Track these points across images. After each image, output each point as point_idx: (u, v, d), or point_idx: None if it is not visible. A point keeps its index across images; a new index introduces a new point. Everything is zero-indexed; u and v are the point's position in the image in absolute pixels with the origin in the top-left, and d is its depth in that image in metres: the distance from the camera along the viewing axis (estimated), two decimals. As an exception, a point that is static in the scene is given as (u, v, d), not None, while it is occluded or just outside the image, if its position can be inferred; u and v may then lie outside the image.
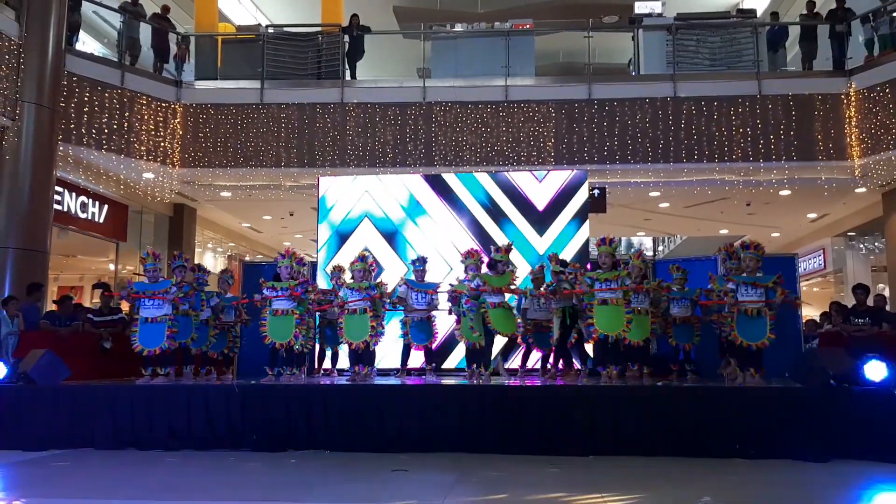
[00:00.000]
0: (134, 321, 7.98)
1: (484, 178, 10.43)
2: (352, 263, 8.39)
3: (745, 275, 7.22)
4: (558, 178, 10.36)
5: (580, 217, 10.13)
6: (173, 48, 13.71)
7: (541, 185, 10.26)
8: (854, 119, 12.39)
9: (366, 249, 9.60)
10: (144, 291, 7.90)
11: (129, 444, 6.77)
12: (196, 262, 9.63)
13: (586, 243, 10.11)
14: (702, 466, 5.87)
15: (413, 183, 10.50)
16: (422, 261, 8.71)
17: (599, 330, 7.42)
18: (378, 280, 8.51)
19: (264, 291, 8.04)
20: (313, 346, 8.89)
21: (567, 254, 9.94)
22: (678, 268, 8.69)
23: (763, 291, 7.08)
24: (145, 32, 13.51)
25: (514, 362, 9.23)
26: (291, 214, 16.16)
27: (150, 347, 7.76)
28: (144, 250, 8.45)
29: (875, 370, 6.29)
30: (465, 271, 8.19)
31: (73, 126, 11.56)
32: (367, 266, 8.27)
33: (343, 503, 4.83)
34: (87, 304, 14.38)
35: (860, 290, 9.91)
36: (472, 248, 8.63)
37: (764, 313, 7.01)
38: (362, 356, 8.07)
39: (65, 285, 15.62)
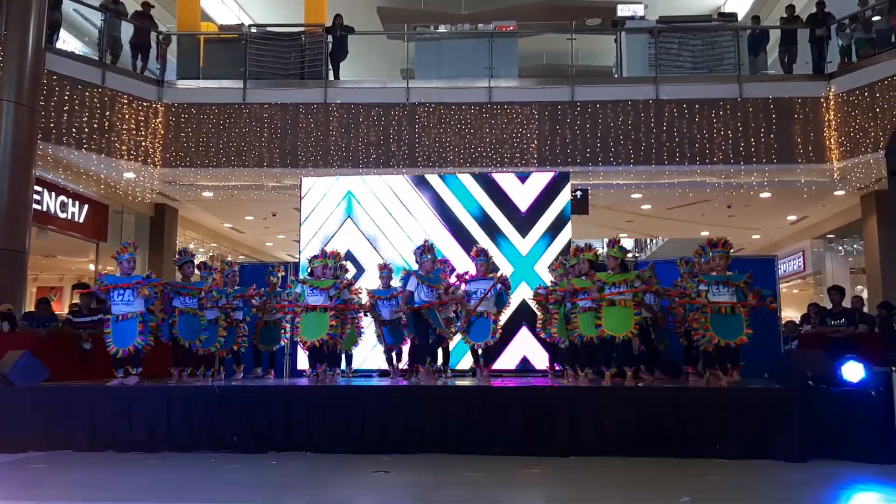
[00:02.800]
0: (106, 321, 7.66)
1: (467, 180, 10.44)
2: (312, 260, 8.30)
3: (714, 273, 7.23)
4: (541, 179, 10.39)
5: (563, 219, 10.16)
6: (155, 47, 13.62)
7: (524, 187, 10.29)
8: (833, 122, 12.53)
9: (347, 257, 9.58)
10: (115, 284, 7.55)
11: (108, 446, 6.71)
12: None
13: (568, 245, 10.14)
14: (682, 466, 5.91)
15: (396, 184, 10.49)
16: (429, 249, 8.45)
17: (606, 331, 7.41)
18: (344, 279, 8.24)
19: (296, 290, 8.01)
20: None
21: (550, 255, 9.97)
22: (652, 267, 8.73)
23: (734, 290, 7.11)
24: (127, 31, 13.42)
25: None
26: (274, 215, 16.11)
27: (122, 346, 7.38)
28: (125, 241, 8.16)
29: (852, 371, 6.35)
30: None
31: (52, 125, 11.46)
32: (327, 263, 8.08)
33: (324, 505, 4.83)
34: (66, 304, 14.30)
35: (835, 291, 10.03)
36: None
37: (738, 310, 7.04)
38: (327, 357, 7.93)
39: (44, 286, 15.48)
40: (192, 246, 18.35)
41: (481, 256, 8.40)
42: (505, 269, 9.92)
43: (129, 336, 7.42)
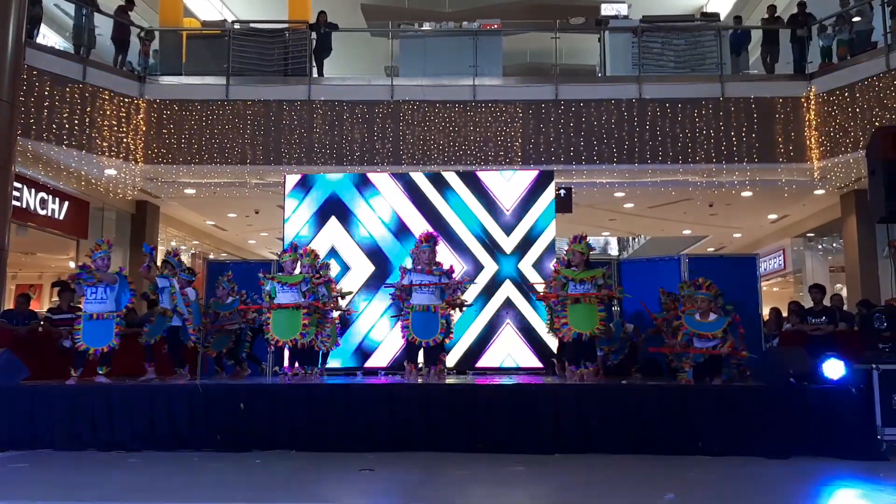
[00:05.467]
0: (78, 317, 7.55)
1: (452, 178, 10.43)
2: (281, 255, 8.18)
3: (697, 316, 7.20)
4: (525, 177, 10.40)
5: (547, 217, 10.17)
6: (134, 43, 13.50)
7: (508, 185, 10.29)
8: (814, 122, 12.65)
9: (328, 258, 9.52)
10: (87, 279, 7.48)
11: (90, 445, 6.65)
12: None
13: (552, 243, 10.17)
14: (665, 464, 5.95)
15: (380, 181, 10.46)
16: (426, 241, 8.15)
17: (573, 328, 7.44)
18: (317, 275, 8.04)
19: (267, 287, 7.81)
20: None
21: (534, 253, 9.99)
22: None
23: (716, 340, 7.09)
24: (106, 26, 13.28)
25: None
26: (257, 212, 16.02)
27: (96, 346, 7.34)
28: (99, 238, 8.07)
29: (833, 368, 6.43)
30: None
31: (32, 121, 11.32)
32: (297, 257, 7.91)
33: (308, 503, 4.81)
34: (46, 302, 14.15)
35: (816, 290, 10.13)
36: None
37: (718, 347, 7.06)
38: (302, 356, 7.81)
39: (23, 283, 15.31)
40: (173, 244, 18.24)
41: (426, 243, 7.97)
42: (489, 266, 9.96)
43: (105, 336, 7.39)
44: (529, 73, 16.61)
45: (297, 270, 7.94)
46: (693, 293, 7.46)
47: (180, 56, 14.07)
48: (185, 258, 19.24)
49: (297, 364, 7.83)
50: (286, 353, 7.99)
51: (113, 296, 7.53)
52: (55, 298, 10.54)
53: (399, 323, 8.44)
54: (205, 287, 10.10)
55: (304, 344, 7.70)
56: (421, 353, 8.04)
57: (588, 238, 7.91)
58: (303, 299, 7.71)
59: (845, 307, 11.69)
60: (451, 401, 6.68)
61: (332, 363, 9.19)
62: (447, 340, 8.07)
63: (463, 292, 8.31)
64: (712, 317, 7.18)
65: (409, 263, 8.29)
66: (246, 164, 12.84)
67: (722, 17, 16.05)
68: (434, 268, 7.93)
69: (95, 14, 13.03)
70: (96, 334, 7.40)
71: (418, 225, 10.14)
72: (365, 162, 12.72)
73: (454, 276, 8.12)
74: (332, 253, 9.99)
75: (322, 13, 13.90)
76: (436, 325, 7.73)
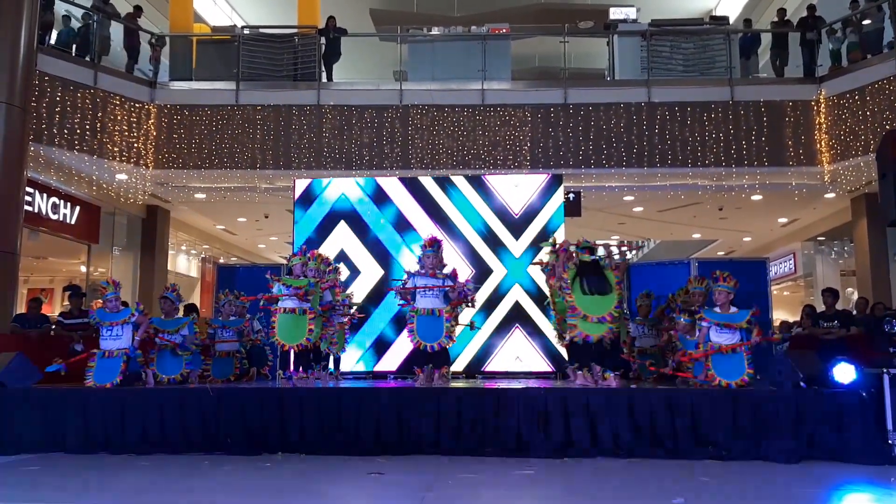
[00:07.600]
0: (92, 355, 7.49)
1: (460, 182, 10.45)
2: (290, 258, 8.18)
3: (717, 309, 7.10)
4: (534, 181, 10.41)
5: (556, 221, 10.18)
6: (145, 49, 13.59)
7: (517, 189, 10.30)
8: (824, 125, 12.61)
9: (337, 262, 9.54)
10: (103, 321, 7.52)
11: (101, 447, 6.69)
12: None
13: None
14: (675, 468, 5.93)
15: (389, 186, 10.49)
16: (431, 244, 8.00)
17: (585, 333, 7.35)
18: (322, 278, 8.05)
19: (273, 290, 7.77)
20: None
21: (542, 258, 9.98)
22: (648, 294, 8.64)
23: (737, 331, 6.97)
24: (117, 33, 13.37)
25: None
26: (266, 217, 16.10)
27: (102, 382, 7.22)
28: (104, 280, 8.02)
29: (844, 372, 6.40)
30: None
31: (44, 126, 11.42)
32: (306, 261, 7.91)
33: (318, 506, 4.83)
34: (57, 306, 14.23)
35: (829, 294, 10.09)
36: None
37: (739, 349, 6.92)
38: (307, 358, 7.80)
39: (35, 287, 15.40)
40: (183, 247, 18.31)
41: (430, 248, 7.86)
42: (498, 271, 9.97)
43: (112, 373, 7.33)
44: (538, 77, 16.66)
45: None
46: (712, 286, 7.35)
47: (190, 61, 14.16)
48: (196, 262, 19.38)
49: (301, 368, 7.85)
50: (291, 356, 8.00)
51: (127, 332, 7.49)
52: (66, 303, 10.58)
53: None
54: (214, 291, 10.17)
55: (308, 346, 7.74)
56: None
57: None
58: (307, 304, 7.71)
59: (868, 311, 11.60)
60: (460, 404, 6.68)
61: (342, 367, 9.21)
62: (450, 344, 7.96)
63: (466, 296, 8.19)
64: (733, 309, 7.07)
65: (414, 267, 8.27)
66: (256, 168, 12.91)
67: (731, 21, 16.03)
68: (437, 271, 7.91)
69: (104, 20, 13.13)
70: (105, 371, 7.34)
71: (427, 229, 10.16)
72: (374, 166, 12.76)
73: (458, 279, 8.09)
74: (342, 257, 10.02)
75: (331, 18, 13.97)
76: (440, 329, 7.70)
